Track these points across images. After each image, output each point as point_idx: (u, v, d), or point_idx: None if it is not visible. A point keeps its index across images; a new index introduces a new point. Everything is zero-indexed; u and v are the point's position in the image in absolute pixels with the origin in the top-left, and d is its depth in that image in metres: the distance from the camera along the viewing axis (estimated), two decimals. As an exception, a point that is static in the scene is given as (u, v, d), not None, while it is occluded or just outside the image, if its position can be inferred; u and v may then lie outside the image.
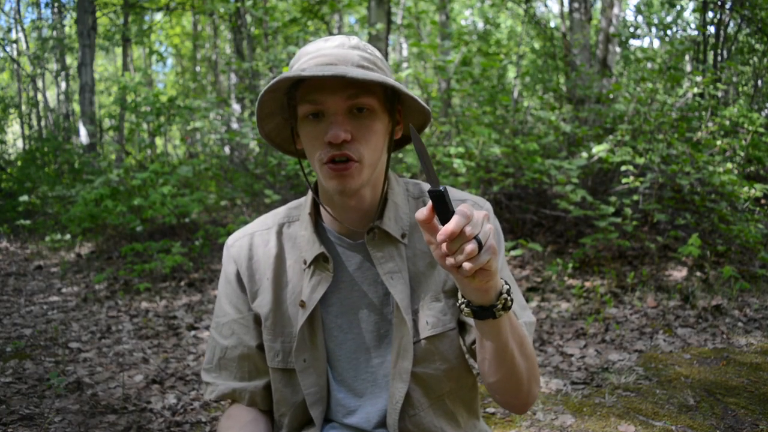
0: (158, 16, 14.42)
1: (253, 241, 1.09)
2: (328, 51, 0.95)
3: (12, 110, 14.42)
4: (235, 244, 1.10)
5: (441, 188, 0.75)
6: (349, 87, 0.92)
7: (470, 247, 0.72)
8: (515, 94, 6.34)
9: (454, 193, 1.09)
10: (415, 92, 5.32)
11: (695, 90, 5.32)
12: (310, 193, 1.09)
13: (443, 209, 0.75)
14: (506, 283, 0.85)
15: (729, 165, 4.92)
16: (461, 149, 4.64)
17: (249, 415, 1.07)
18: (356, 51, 0.96)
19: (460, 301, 0.86)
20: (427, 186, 1.09)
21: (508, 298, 0.84)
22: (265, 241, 1.09)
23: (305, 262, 1.04)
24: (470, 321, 1.02)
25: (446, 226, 0.72)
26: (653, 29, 13.19)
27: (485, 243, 0.74)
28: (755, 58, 9.84)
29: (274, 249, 1.07)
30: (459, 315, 1.04)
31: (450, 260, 0.75)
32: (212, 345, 1.11)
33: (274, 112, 1.00)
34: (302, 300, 1.03)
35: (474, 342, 1.02)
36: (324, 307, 1.05)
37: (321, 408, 1.05)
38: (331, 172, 0.93)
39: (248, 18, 9.37)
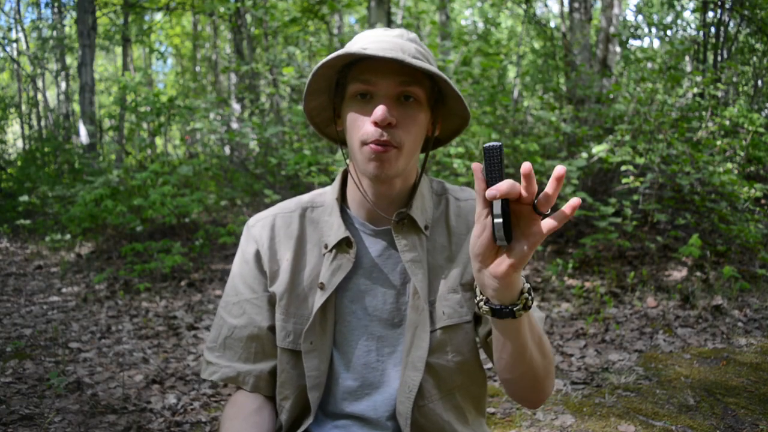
0: (158, 16, 14.43)
1: (275, 222, 1.10)
2: (389, 39, 0.98)
3: (12, 110, 14.42)
4: (257, 224, 1.11)
5: (498, 144, 0.72)
6: (402, 74, 0.95)
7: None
8: (515, 94, 6.34)
9: (455, 190, 1.12)
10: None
11: (695, 90, 5.32)
12: (338, 179, 1.10)
13: (494, 166, 0.72)
14: (527, 282, 0.84)
15: (729, 165, 4.92)
16: (461, 149, 4.64)
17: (254, 403, 1.06)
18: (413, 44, 1.00)
19: (478, 299, 0.84)
20: (450, 186, 1.13)
21: (529, 297, 0.82)
22: (287, 223, 1.09)
23: (326, 246, 1.05)
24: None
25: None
26: (653, 29, 13.19)
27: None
28: (755, 58, 9.84)
29: (296, 231, 1.08)
30: (475, 308, 1.05)
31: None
32: (219, 324, 1.10)
33: (321, 89, 1.02)
34: (322, 282, 1.03)
35: (489, 334, 1.03)
36: (341, 292, 1.05)
37: (318, 393, 1.05)
38: (371, 153, 0.95)
39: (248, 18, 9.37)
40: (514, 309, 0.81)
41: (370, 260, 1.05)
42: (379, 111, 0.92)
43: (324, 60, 0.93)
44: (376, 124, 0.94)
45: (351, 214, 1.08)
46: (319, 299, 1.03)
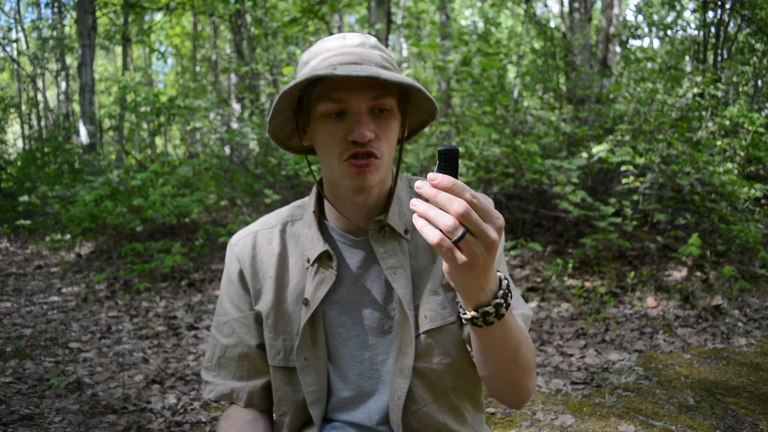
0: (158, 16, 14.43)
1: (256, 240, 1.10)
2: (351, 50, 0.95)
3: (12, 110, 14.43)
4: (239, 242, 1.11)
5: (454, 147, 0.67)
6: (375, 88, 0.92)
7: (453, 215, 0.67)
8: (515, 94, 6.34)
9: None
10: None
11: (695, 90, 5.32)
12: (314, 192, 1.09)
13: (450, 169, 0.67)
14: (504, 289, 0.79)
15: (729, 165, 4.92)
16: (461, 149, 4.64)
17: (248, 415, 1.08)
18: (377, 51, 0.97)
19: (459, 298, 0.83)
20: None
21: (491, 313, 0.78)
22: (268, 240, 1.09)
23: (308, 261, 1.05)
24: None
25: (442, 178, 0.67)
26: (653, 29, 13.19)
27: (478, 232, 0.68)
28: (755, 58, 9.84)
29: (278, 247, 1.08)
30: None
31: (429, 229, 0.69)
32: (213, 344, 1.12)
33: (284, 108, 1.00)
34: (306, 298, 1.03)
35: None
36: (327, 305, 1.05)
37: (320, 407, 1.05)
38: (353, 169, 0.94)
39: (248, 18, 9.37)
40: (464, 317, 0.80)
41: (353, 271, 1.05)
42: (358, 131, 0.91)
43: (292, 83, 0.90)
44: (355, 142, 0.92)
45: (330, 226, 1.07)
46: (304, 315, 1.03)
